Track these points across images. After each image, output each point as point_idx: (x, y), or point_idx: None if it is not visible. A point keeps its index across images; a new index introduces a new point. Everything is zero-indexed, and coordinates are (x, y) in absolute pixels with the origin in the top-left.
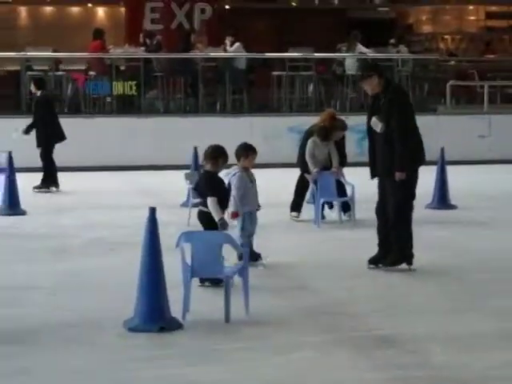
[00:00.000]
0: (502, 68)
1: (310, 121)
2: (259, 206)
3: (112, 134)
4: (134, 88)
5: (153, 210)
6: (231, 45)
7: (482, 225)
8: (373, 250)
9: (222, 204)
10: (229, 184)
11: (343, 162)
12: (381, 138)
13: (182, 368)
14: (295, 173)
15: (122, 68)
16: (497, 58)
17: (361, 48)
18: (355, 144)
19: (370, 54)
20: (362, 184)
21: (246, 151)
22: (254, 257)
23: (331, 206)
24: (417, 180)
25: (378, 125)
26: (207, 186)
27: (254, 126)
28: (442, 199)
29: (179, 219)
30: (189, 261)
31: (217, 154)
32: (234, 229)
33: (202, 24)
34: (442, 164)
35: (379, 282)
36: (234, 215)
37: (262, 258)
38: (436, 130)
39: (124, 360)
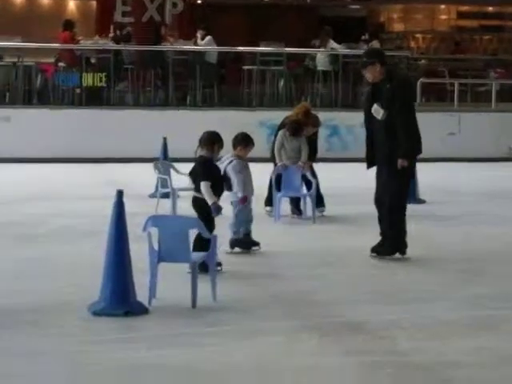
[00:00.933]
0: (471, 67)
1: (281, 115)
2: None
3: (81, 125)
4: (104, 80)
5: (120, 193)
6: (202, 38)
7: (451, 219)
8: (343, 241)
9: (216, 190)
10: (224, 172)
11: (313, 158)
12: (381, 126)
13: (148, 351)
14: (268, 167)
15: (93, 61)
16: (467, 57)
17: (333, 44)
18: (324, 140)
19: (342, 49)
20: (330, 179)
21: (246, 141)
22: (248, 245)
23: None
24: (415, 170)
25: (379, 112)
26: (201, 170)
27: (224, 120)
28: (411, 194)
29: (147, 209)
30: (156, 246)
31: (214, 140)
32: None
33: (173, 18)
34: None
35: (350, 272)
36: (244, 199)
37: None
38: None
39: (88, 342)
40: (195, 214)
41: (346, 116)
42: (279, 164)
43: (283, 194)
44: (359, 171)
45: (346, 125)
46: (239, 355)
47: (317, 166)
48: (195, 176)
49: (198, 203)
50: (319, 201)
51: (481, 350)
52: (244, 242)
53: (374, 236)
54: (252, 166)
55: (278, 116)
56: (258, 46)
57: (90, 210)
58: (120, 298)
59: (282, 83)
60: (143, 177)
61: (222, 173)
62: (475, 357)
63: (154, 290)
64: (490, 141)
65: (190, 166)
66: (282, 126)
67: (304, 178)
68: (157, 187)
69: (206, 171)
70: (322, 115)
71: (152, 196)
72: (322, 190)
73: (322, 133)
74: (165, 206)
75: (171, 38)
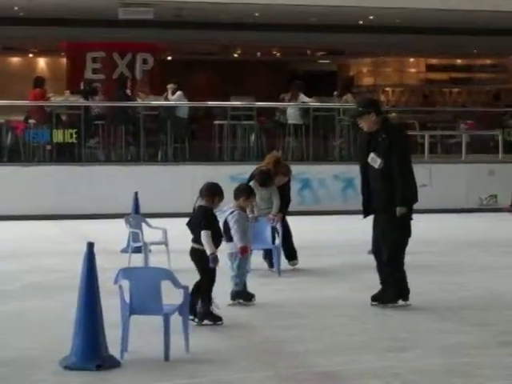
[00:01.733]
0: (441, 119)
1: (252, 170)
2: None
3: (52, 182)
4: (75, 136)
5: (90, 245)
6: (173, 93)
7: (426, 268)
8: (313, 292)
9: (214, 241)
10: (225, 222)
11: (285, 209)
12: (378, 175)
13: None
14: None
15: (63, 117)
16: (437, 109)
17: (303, 97)
18: (296, 193)
19: (312, 103)
20: (302, 232)
21: (249, 193)
22: (248, 297)
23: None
24: (412, 217)
25: (376, 161)
26: (202, 219)
27: (196, 175)
28: None
29: (119, 264)
30: (128, 299)
31: (214, 192)
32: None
33: (143, 74)
34: None
35: (320, 322)
36: (245, 250)
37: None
38: None
39: None
40: (193, 265)
41: (318, 169)
42: (250, 217)
43: (252, 246)
44: (331, 223)
45: (318, 178)
46: None
47: (289, 219)
48: (194, 226)
49: (196, 255)
50: (292, 254)
51: None
52: (245, 294)
53: (345, 286)
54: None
55: (249, 170)
56: (229, 101)
57: (62, 265)
58: (91, 352)
59: (253, 137)
60: (115, 232)
61: (221, 223)
62: None
63: (126, 344)
64: (461, 192)
65: (161, 221)
66: (251, 177)
67: (274, 230)
68: (128, 241)
69: (207, 221)
70: (294, 168)
71: (124, 251)
72: (295, 243)
73: (294, 186)
74: (137, 261)
75: (142, 93)
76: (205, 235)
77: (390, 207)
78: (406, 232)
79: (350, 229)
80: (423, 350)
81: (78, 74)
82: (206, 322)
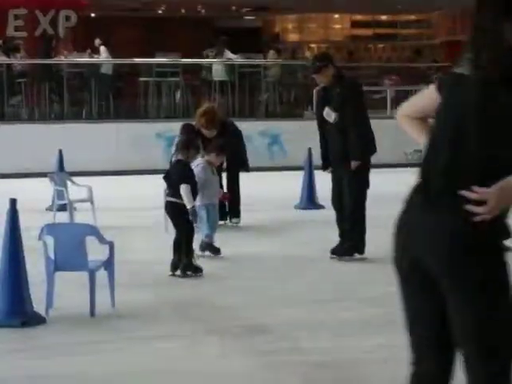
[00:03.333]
0: (366, 75)
1: (178, 127)
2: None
3: None
4: None
5: (13, 202)
6: (97, 50)
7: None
8: (240, 248)
9: (192, 194)
10: None
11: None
12: (334, 129)
13: (44, 360)
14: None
15: None
16: (362, 64)
17: (228, 54)
18: None
19: (237, 59)
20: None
21: (222, 151)
22: (216, 250)
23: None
24: (369, 169)
25: (331, 115)
26: (181, 174)
27: (121, 133)
28: (309, 199)
29: (44, 222)
30: (52, 255)
31: (189, 144)
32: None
33: (67, 31)
34: (310, 166)
35: (249, 276)
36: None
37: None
38: (302, 134)
39: None
40: (170, 219)
41: (244, 126)
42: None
43: None
44: (257, 180)
45: (244, 134)
46: (139, 361)
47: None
48: (172, 180)
49: (174, 208)
50: (235, 211)
51: (381, 347)
52: (213, 247)
53: (275, 242)
54: (148, 178)
55: (175, 127)
56: (154, 57)
57: None
58: (16, 309)
59: (178, 95)
60: (39, 191)
61: None
62: (377, 354)
63: (51, 300)
64: (387, 147)
65: (86, 179)
66: None
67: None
68: (53, 200)
69: (185, 174)
70: None
71: (49, 209)
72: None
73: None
74: (62, 219)
75: (65, 51)
76: (184, 189)
77: (346, 161)
78: (363, 185)
79: (277, 185)
80: (350, 301)
81: (0, 31)
82: (188, 273)
